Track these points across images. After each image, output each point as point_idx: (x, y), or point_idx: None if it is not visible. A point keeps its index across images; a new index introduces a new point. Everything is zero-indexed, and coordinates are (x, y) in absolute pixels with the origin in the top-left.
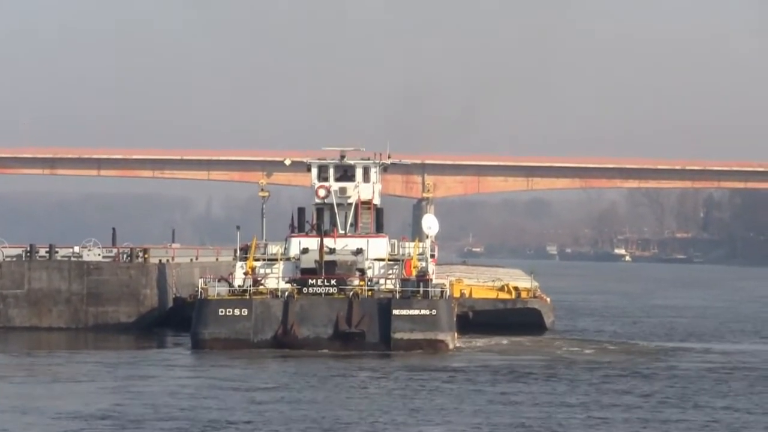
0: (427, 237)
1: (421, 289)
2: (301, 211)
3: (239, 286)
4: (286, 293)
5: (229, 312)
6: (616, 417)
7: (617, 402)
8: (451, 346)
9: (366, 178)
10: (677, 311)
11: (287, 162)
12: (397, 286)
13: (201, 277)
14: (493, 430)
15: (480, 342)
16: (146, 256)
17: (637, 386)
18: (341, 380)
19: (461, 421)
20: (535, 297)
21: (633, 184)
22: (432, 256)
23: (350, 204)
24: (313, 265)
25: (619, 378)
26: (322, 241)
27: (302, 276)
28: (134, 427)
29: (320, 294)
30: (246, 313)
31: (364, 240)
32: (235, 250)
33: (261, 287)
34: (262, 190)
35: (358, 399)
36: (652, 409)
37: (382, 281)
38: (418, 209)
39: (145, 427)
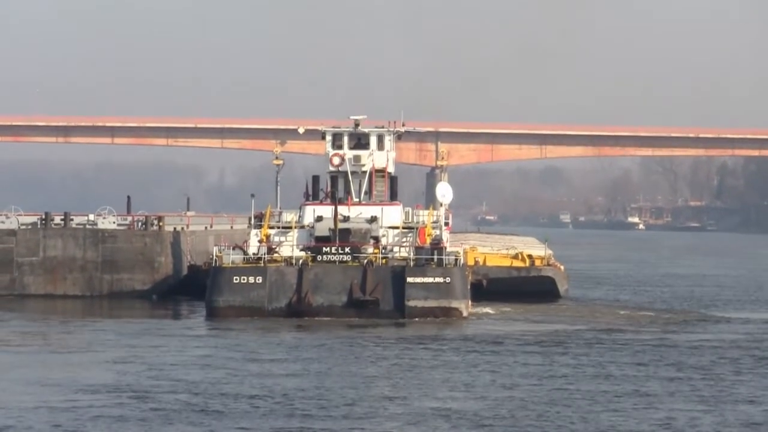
0: (441, 205)
1: (435, 257)
2: (315, 179)
3: (254, 254)
4: (301, 261)
5: (244, 280)
6: (641, 390)
7: (640, 373)
8: (465, 314)
9: (380, 146)
10: (695, 280)
11: (301, 130)
12: (412, 254)
13: (216, 245)
14: (504, 402)
15: (494, 309)
16: (161, 224)
17: (657, 357)
18: (354, 351)
19: (476, 394)
20: (548, 265)
21: (647, 152)
22: (446, 224)
23: (364, 172)
24: (327, 233)
25: (644, 348)
26: (336, 209)
27: (316, 244)
28: (144, 399)
29: (334, 262)
30: (260, 280)
31: (379, 208)
32: (250, 218)
33: (275, 255)
34: (277, 158)
35: (369, 372)
36: (686, 383)
37: (396, 249)
38: (431, 177)
39: (149, 400)
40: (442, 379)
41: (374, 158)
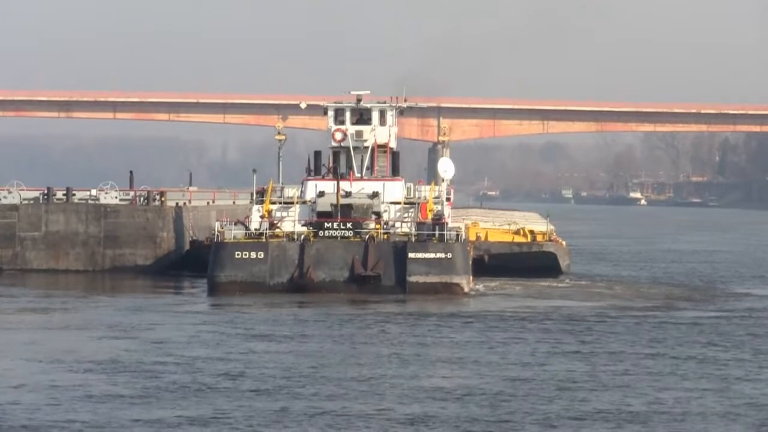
0: (443, 180)
1: (437, 233)
2: (317, 154)
3: (255, 229)
4: (302, 236)
5: (246, 255)
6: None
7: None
8: (466, 290)
9: (382, 121)
10: (696, 256)
11: (303, 105)
12: (413, 229)
13: (217, 220)
14: (505, 379)
15: (495, 285)
16: (163, 199)
17: (662, 334)
18: (355, 328)
19: (477, 371)
20: (550, 240)
21: (649, 127)
22: (448, 199)
23: (366, 147)
24: (329, 208)
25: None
26: (338, 185)
27: (318, 219)
28: (144, 376)
29: (336, 237)
30: (262, 256)
31: (380, 183)
32: (252, 194)
33: (277, 230)
34: (279, 133)
35: (370, 349)
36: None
37: (397, 224)
38: (433, 153)
39: (149, 376)
40: (443, 356)
41: (376, 134)
